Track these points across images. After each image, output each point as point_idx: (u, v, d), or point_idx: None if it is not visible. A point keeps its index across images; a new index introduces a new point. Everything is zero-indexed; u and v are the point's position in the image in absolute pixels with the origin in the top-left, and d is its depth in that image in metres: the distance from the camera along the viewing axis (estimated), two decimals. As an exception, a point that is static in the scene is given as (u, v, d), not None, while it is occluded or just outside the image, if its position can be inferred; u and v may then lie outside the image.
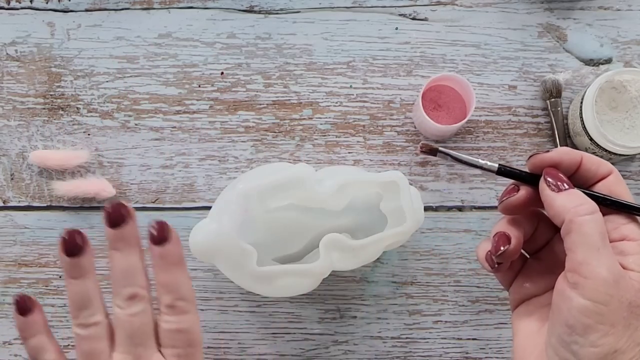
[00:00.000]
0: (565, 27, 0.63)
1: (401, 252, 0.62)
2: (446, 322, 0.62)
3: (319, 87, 0.63)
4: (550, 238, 0.46)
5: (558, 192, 0.41)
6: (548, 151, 0.43)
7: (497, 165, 0.44)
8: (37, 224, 0.62)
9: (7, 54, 0.63)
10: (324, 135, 0.63)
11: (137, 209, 0.62)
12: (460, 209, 0.62)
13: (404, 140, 0.63)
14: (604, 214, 0.41)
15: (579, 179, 0.43)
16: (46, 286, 0.62)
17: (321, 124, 0.63)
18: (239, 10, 0.64)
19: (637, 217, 0.42)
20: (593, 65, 0.63)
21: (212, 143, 0.62)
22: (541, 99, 0.63)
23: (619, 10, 0.63)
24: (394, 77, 0.63)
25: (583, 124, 0.58)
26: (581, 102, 0.58)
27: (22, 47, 0.63)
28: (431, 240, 0.62)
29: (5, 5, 0.64)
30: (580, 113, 0.58)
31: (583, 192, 0.42)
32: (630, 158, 0.62)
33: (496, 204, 0.62)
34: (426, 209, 0.62)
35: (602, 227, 0.39)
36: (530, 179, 0.43)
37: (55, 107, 0.63)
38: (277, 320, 0.62)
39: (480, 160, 0.44)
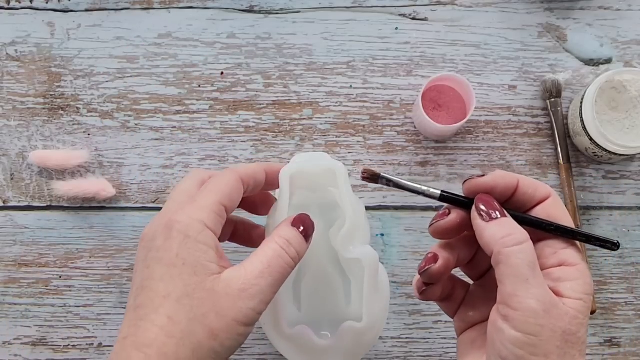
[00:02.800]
0: (565, 27, 0.63)
1: (401, 252, 0.62)
2: (446, 322, 0.62)
3: (319, 87, 0.63)
4: (491, 264, 0.45)
5: (489, 221, 0.41)
6: (483, 175, 0.42)
7: (439, 192, 0.43)
8: (37, 224, 0.62)
9: (7, 54, 0.63)
10: (324, 135, 0.63)
11: (137, 209, 0.62)
12: (460, 209, 0.62)
13: (404, 140, 0.63)
14: (542, 238, 0.41)
15: (517, 203, 0.42)
16: (46, 286, 0.62)
17: (321, 124, 0.63)
18: (239, 10, 0.64)
19: (576, 241, 0.42)
20: (593, 65, 0.63)
21: (212, 143, 0.62)
22: (541, 99, 0.63)
23: (619, 10, 0.63)
24: (394, 77, 0.63)
25: (583, 124, 0.58)
26: (581, 102, 0.58)
27: (22, 47, 0.63)
28: (431, 240, 0.62)
29: (5, 5, 0.64)
30: (580, 113, 0.58)
31: (521, 216, 0.41)
32: (630, 158, 0.62)
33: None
34: (426, 209, 0.62)
35: (531, 256, 0.39)
36: (471, 205, 0.42)
37: (55, 107, 0.63)
38: (277, 320, 0.62)
39: (422, 187, 0.43)
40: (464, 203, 0.43)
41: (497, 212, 0.41)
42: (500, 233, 0.40)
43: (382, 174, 0.44)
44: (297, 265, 0.50)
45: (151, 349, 0.40)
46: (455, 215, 0.43)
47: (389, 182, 0.44)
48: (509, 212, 0.41)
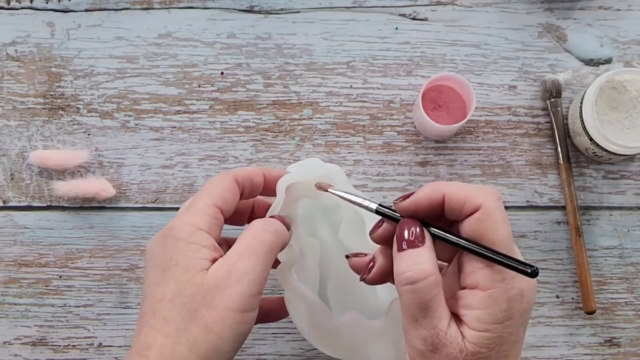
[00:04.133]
0: (565, 27, 0.63)
1: (401, 252, 0.62)
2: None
3: (319, 87, 0.63)
4: (451, 256, 0.43)
5: (401, 250, 0.39)
6: (409, 195, 0.41)
7: (375, 206, 0.43)
8: (37, 224, 0.62)
9: (7, 54, 0.63)
10: (324, 135, 0.63)
11: (137, 209, 0.62)
12: (460, 209, 0.62)
13: (404, 140, 0.63)
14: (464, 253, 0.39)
15: (449, 217, 0.40)
16: (46, 286, 0.62)
17: (321, 124, 0.63)
18: (239, 10, 0.64)
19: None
20: (593, 65, 0.63)
21: (212, 143, 0.62)
22: (541, 99, 0.63)
23: (619, 10, 0.63)
24: (394, 77, 0.63)
25: (583, 124, 0.58)
26: (581, 102, 0.58)
27: (22, 47, 0.63)
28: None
29: (5, 5, 0.64)
30: (580, 113, 0.58)
31: (438, 234, 0.40)
32: (630, 158, 0.62)
33: (496, 204, 0.62)
34: (426, 209, 0.62)
35: (423, 297, 0.38)
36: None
37: (55, 107, 0.63)
38: (277, 320, 0.62)
39: (360, 201, 0.44)
40: (396, 218, 0.42)
41: (414, 240, 0.39)
42: (401, 267, 0.39)
43: (329, 188, 0.46)
44: (318, 274, 0.50)
45: (150, 351, 0.41)
46: (383, 228, 0.42)
47: (336, 194, 0.46)
48: (435, 228, 0.40)
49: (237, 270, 0.42)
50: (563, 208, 0.62)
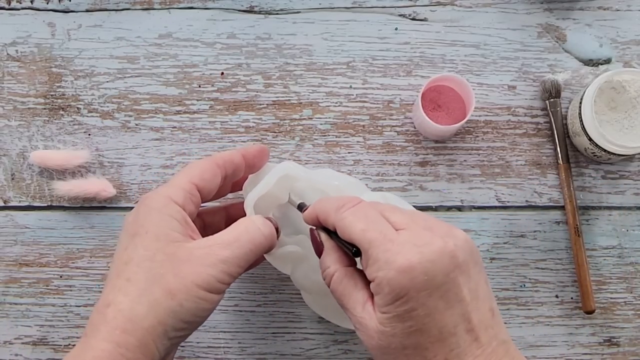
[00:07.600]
0: (565, 27, 0.64)
1: (401, 251, 0.62)
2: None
3: (319, 87, 0.63)
4: None
5: (319, 256, 0.47)
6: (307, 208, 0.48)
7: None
8: (37, 223, 0.62)
9: (7, 54, 0.63)
10: (324, 135, 0.63)
11: (138, 208, 0.62)
12: (459, 208, 0.62)
13: (404, 140, 0.63)
14: None
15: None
16: (47, 286, 0.62)
17: (321, 124, 0.63)
18: (239, 10, 0.64)
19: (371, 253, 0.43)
20: (592, 66, 0.63)
21: (212, 143, 0.63)
22: (540, 99, 0.63)
23: (618, 10, 0.64)
24: (394, 77, 0.63)
25: (582, 124, 0.58)
26: (580, 103, 0.58)
27: (23, 48, 0.63)
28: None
29: (6, 6, 0.64)
30: (580, 113, 0.58)
31: (338, 242, 0.46)
32: (629, 158, 0.62)
33: (496, 203, 0.62)
34: (426, 209, 0.62)
35: (335, 292, 0.45)
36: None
37: (56, 107, 0.63)
38: (277, 320, 0.62)
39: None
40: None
41: (317, 246, 0.47)
42: (321, 265, 0.46)
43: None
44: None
45: (109, 308, 0.43)
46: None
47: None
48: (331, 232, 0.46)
49: (216, 256, 0.44)
50: (562, 208, 0.62)
